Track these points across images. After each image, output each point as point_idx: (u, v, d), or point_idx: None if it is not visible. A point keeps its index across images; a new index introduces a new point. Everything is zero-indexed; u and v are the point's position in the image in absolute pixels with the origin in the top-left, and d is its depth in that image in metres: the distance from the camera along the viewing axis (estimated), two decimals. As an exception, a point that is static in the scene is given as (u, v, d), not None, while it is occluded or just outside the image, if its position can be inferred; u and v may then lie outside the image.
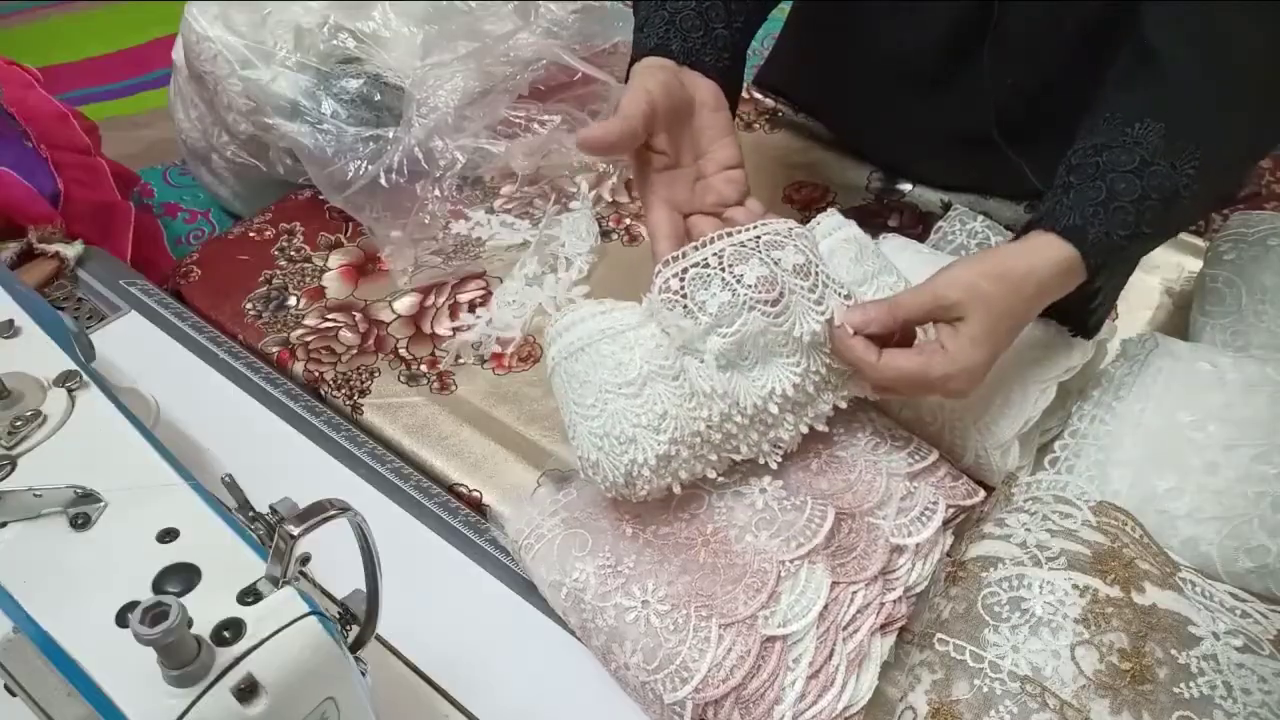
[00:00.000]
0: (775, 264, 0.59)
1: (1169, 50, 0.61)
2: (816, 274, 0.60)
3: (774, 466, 0.62)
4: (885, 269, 0.63)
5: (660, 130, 0.64)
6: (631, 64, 0.67)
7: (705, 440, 0.59)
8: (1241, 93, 0.61)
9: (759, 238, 0.59)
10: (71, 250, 0.88)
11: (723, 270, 0.58)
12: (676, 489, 0.60)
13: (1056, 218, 0.60)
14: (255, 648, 0.38)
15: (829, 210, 0.65)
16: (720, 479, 0.64)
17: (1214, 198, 0.70)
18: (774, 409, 0.60)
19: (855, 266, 0.62)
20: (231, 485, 0.45)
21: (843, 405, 0.63)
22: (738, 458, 0.61)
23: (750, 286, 0.58)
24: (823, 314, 0.59)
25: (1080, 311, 0.66)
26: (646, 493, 0.59)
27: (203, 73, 1.01)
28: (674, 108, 0.64)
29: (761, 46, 1.77)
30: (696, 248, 0.59)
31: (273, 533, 0.40)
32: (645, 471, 0.58)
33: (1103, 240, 0.59)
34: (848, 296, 0.61)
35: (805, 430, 0.62)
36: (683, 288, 0.58)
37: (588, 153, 0.63)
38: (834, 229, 0.64)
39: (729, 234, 0.59)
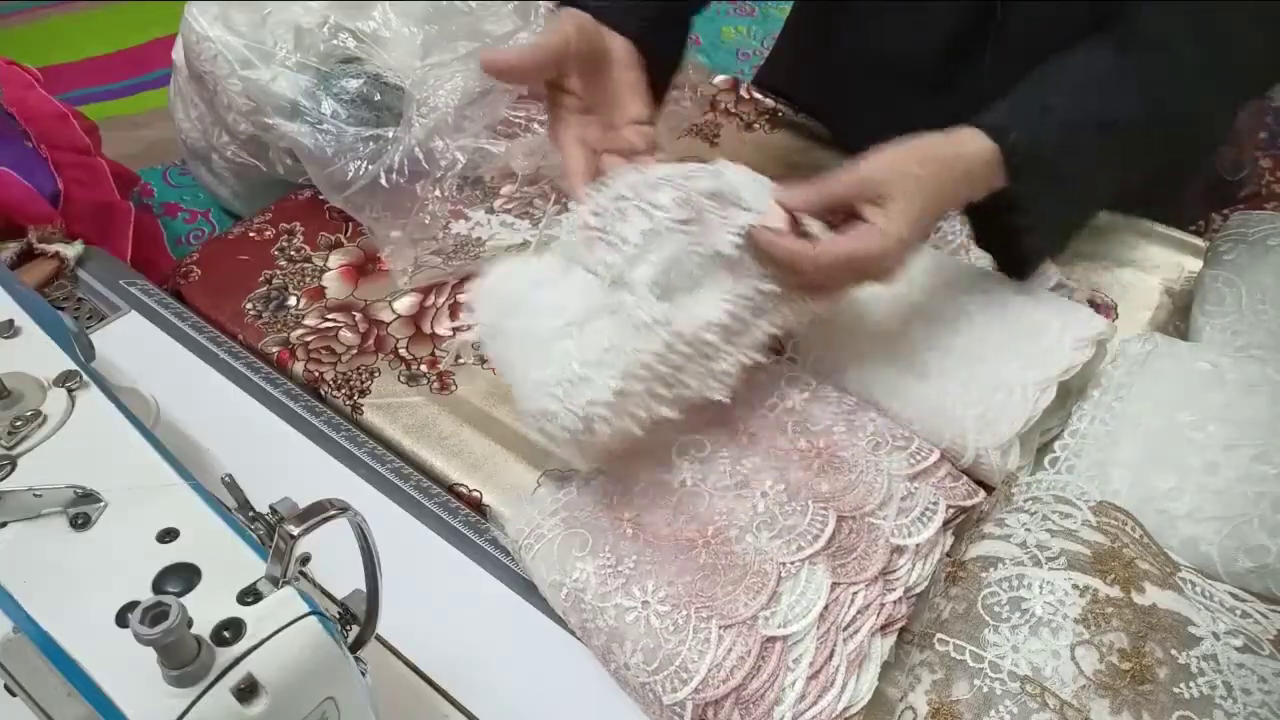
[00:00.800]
0: (686, 189, 0.60)
1: (1146, 12, 0.63)
2: (726, 196, 0.61)
3: (722, 399, 0.62)
4: (780, 208, 0.64)
5: (574, 74, 0.65)
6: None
7: (654, 374, 0.59)
8: (1214, 57, 0.62)
9: (666, 174, 0.60)
10: (71, 250, 0.88)
11: (638, 200, 0.59)
12: (637, 430, 0.60)
13: (985, 116, 0.61)
14: (255, 648, 0.38)
15: (719, 159, 0.66)
16: (721, 481, 0.64)
17: (1166, 152, 0.68)
18: (712, 338, 0.60)
19: (760, 197, 0.63)
20: (231, 485, 0.45)
21: (777, 332, 0.64)
22: (688, 393, 0.61)
23: (666, 211, 0.58)
24: (738, 229, 0.60)
25: (1011, 236, 0.67)
26: (607, 436, 0.58)
27: (203, 73, 1.01)
28: (590, 54, 0.65)
29: (761, 46, 1.78)
30: (608, 184, 0.60)
31: (273, 533, 0.40)
32: (603, 410, 0.57)
33: (1024, 143, 0.60)
34: (753, 211, 0.61)
35: (746, 360, 0.63)
36: (601, 223, 0.59)
37: (492, 76, 0.66)
38: (729, 165, 0.64)
39: (639, 170, 0.61)
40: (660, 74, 0.72)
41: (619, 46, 0.67)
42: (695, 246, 0.59)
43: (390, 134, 0.93)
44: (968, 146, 0.61)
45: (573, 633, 0.62)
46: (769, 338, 0.64)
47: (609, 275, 0.59)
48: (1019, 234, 0.67)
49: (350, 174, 0.92)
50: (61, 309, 0.83)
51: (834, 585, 0.59)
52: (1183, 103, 0.64)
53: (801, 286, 0.63)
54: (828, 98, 1.00)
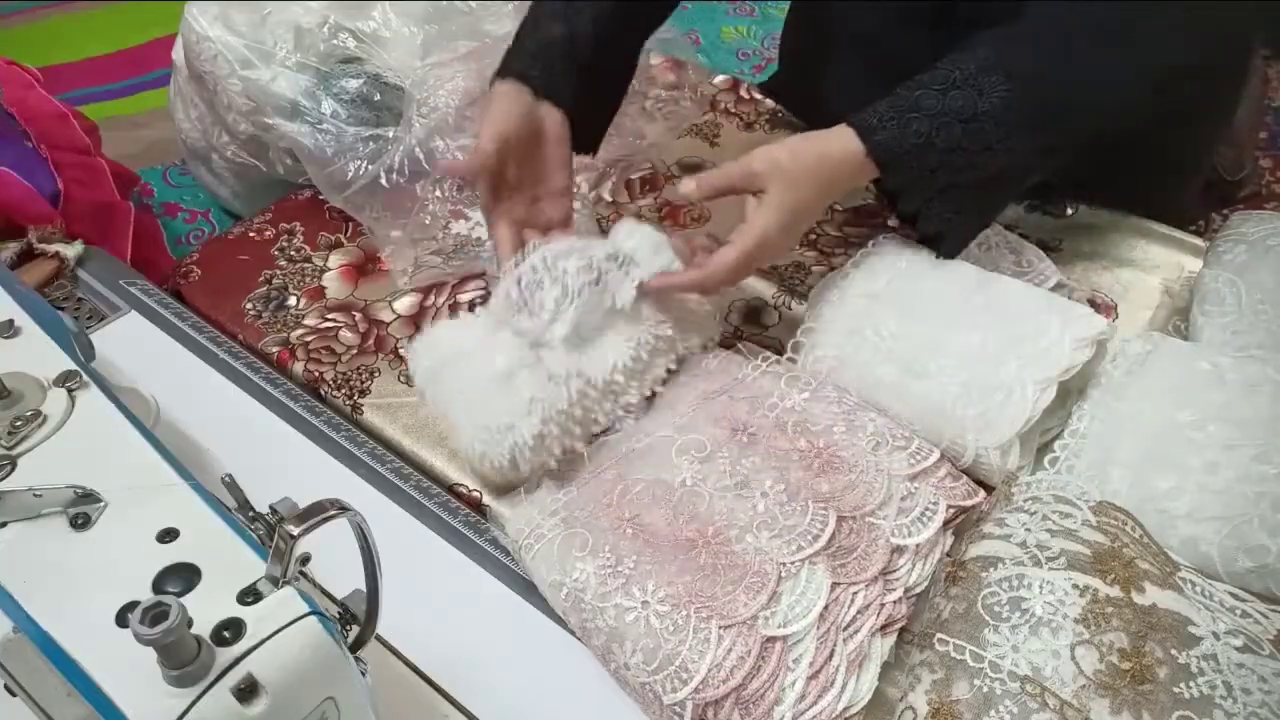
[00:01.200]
0: (590, 256, 0.71)
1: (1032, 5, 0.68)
2: (622, 258, 0.71)
3: (625, 428, 0.72)
4: (677, 259, 0.72)
5: (511, 162, 0.75)
6: (496, 76, 0.75)
7: (569, 416, 0.69)
8: (1084, 44, 0.66)
9: (573, 244, 0.71)
10: (71, 250, 0.88)
11: (549, 269, 0.70)
12: (553, 463, 0.69)
13: (859, 116, 0.68)
14: (255, 648, 0.38)
15: (624, 219, 0.75)
16: (721, 481, 0.64)
17: (1057, 138, 0.70)
18: (620, 379, 0.70)
19: (655, 258, 0.72)
20: (231, 485, 0.45)
21: (674, 367, 0.74)
22: (597, 429, 0.71)
23: (573, 274, 0.69)
24: (633, 283, 0.70)
25: (911, 218, 0.73)
26: (529, 471, 0.68)
27: (203, 73, 1.01)
28: (527, 138, 0.75)
29: (761, 46, 1.78)
30: (525, 257, 0.71)
31: (273, 533, 0.40)
32: (526, 452, 0.67)
33: (891, 142, 0.67)
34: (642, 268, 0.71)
35: (648, 393, 0.73)
36: (521, 293, 0.70)
37: (449, 177, 0.82)
38: (631, 233, 0.73)
39: (548, 243, 0.72)
40: (598, 125, 0.85)
41: (552, 122, 0.75)
42: (599, 302, 0.70)
43: (390, 134, 0.93)
44: (837, 143, 0.68)
45: (573, 633, 0.62)
46: (667, 373, 0.73)
47: (530, 337, 0.70)
48: (914, 217, 0.73)
49: (350, 174, 0.92)
50: (61, 309, 0.83)
51: (834, 585, 0.59)
52: (1058, 90, 0.67)
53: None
54: (821, 101, 1.00)
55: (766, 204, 0.67)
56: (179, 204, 1.34)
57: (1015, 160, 0.69)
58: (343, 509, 0.41)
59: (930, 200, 0.70)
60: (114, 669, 0.38)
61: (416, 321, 0.86)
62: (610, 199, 0.98)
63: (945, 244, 0.74)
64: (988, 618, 0.55)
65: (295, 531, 0.39)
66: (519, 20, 1.05)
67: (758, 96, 1.08)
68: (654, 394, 0.73)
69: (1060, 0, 0.67)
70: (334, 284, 0.91)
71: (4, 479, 0.46)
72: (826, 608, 0.58)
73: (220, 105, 1.02)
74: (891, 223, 0.93)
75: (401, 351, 0.83)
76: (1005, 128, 0.66)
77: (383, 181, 0.92)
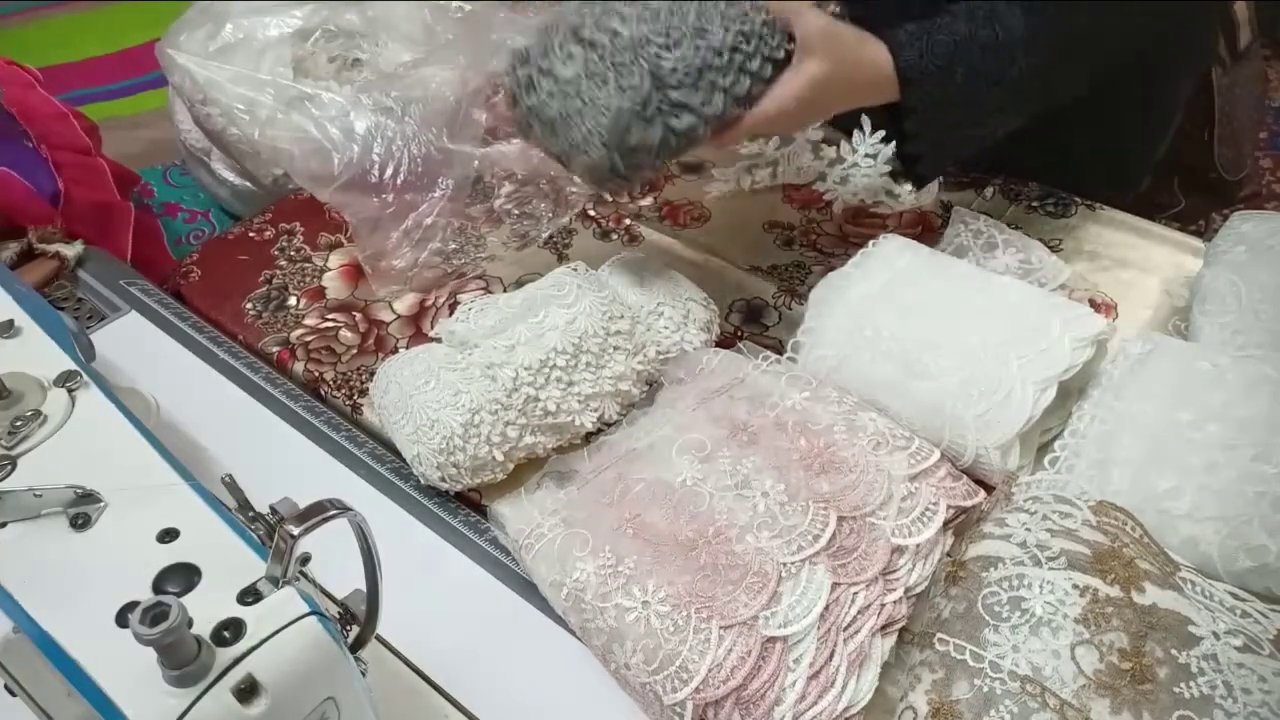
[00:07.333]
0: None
1: None
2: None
3: (589, 427, 0.70)
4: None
5: None
6: None
7: (504, 405, 0.67)
8: None
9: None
10: (71, 250, 0.89)
11: (495, 303, 0.73)
12: (498, 455, 0.67)
13: (892, 32, 0.71)
14: (255, 648, 0.38)
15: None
16: (722, 481, 0.64)
17: (1054, 80, 0.75)
18: (562, 361, 0.68)
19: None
20: (231, 485, 0.45)
21: (640, 367, 0.71)
22: (551, 420, 0.69)
23: (514, 305, 0.72)
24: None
25: (902, 137, 0.75)
26: (470, 464, 0.67)
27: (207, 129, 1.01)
28: None
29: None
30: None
31: (273, 533, 0.40)
32: (456, 440, 0.66)
33: (915, 60, 0.70)
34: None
35: (611, 389, 0.70)
36: (463, 313, 0.73)
37: None
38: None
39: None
40: None
41: None
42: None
43: (390, 133, 0.93)
44: (872, 53, 0.71)
45: (573, 633, 0.62)
46: (634, 372, 0.71)
47: (457, 340, 0.71)
48: (904, 139, 0.75)
49: (338, 169, 0.92)
50: (61, 309, 0.83)
51: (834, 585, 0.59)
52: (1070, 27, 0.71)
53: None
54: None
55: (805, 73, 0.68)
56: (179, 204, 1.34)
57: (1016, 94, 0.73)
58: (343, 509, 0.41)
59: (931, 122, 0.73)
60: (114, 669, 0.38)
61: (417, 322, 0.86)
62: (610, 199, 0.98)
63: (918, 172, 0.79)
64: (988, 618, 0.55)
65: (295, 531, 0.39)
66: (510, 23, 1.05)
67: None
68: (650, 391, 0.72)
69: None
70: (334, 284, 0.91)
71: (4, 479, 0.46)
72: (827, 608, 0.58)
73: (212, 131, 1.02)
74: (890, 223, 0.93)
75: (401, 351, 0.83)
76: (1018, 59, 0.70)
77: (377, 177, 0.92)
